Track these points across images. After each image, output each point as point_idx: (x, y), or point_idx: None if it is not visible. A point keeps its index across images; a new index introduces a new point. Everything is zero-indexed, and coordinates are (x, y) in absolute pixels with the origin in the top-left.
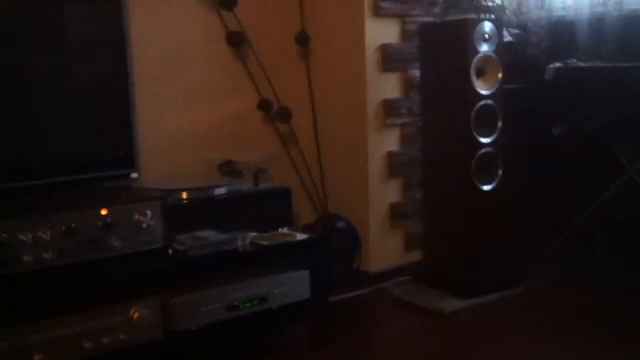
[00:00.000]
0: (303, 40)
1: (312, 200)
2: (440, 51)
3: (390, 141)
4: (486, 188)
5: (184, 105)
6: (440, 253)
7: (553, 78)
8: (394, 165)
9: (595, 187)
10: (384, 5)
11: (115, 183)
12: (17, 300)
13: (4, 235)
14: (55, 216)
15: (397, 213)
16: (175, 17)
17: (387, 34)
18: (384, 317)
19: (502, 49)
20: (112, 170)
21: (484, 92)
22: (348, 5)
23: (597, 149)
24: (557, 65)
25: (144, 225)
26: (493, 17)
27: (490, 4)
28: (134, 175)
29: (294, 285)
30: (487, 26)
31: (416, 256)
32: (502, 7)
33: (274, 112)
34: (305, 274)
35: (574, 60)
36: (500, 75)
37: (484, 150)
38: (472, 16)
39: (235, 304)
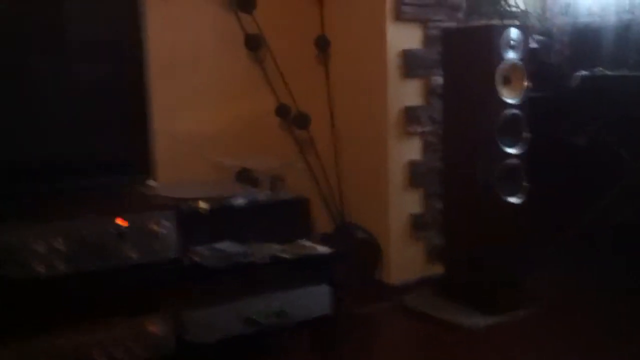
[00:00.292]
0: (322, 44)
1: (328, 209)
2: (464, 57)
3: (410, 149)
4: (510, 200)
5: (199, 108)
6: (461, 267)
7: (579, 86)
8: (415, 175)
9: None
10: (406, 9)
11: (130, 189)
12: (28, 309)
13: (16, 242)
14: (68, 223)
15: (417, 224)
16: (193, 19)
17: (409, 39)
18: (403, 331)
19: (529, 56)
20: (127, 175)
21: (509, 101)
22: (369, 9)
23: (620, 159)
24: (583, 72)
25: (159, 235)
26: (517, 22)
27: (514, 9)
28: (150, 182)
29: (313, 300)
30: (513, 32)
31: (438, 268)
32: (525, 13)
33: (291, 118)
34: (325, 289)
35: (600, 69)
36: (526, 84)
37: (509, 161)
38: (496, 21)
39: (253, 318)
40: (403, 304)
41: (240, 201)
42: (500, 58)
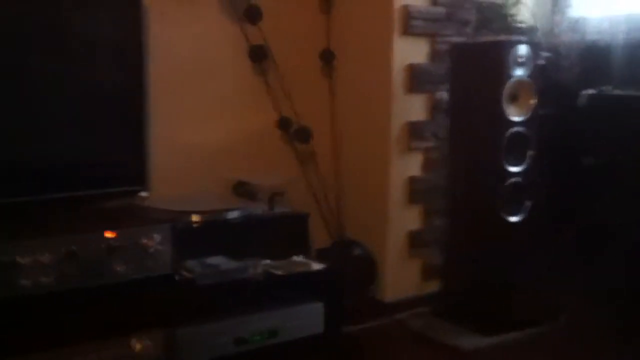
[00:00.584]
0: (327, 57)
1: (327, 224)
2: (472, 73)
3: (412, 165)
4: (513, 219)
5: (199, 119)
6: (461, 285)
7: (586, 104)
8: (415, 191)
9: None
10: (415, 23)
11: (122, 201)
12: (12, 327)
13: (1, 257)
14: (56, 238)
15: (415, 241)
16: (196, 27)
17: (416, 53)
18: (400, 352)
19: (537, 73)
20: (120, 186)
21: (515, 119)
22: (377, 23)
23: (627, 179)
24: (591, 91)
25: (151, 250)
26: (525, 38)
27: (523, 25)
28: (144, 194)
29: (306, 318)
30: (522, 49)
31: (433, 286)
32: (533, 28)
33: (292, 131)
34: (319, 307)
35: (609, 87)
36: (533, 102)
37: (512, 180)
38: (505, 37)
39: (244, 337)
40: (400, 323)
41: (235, 215)
42: (509, 75)
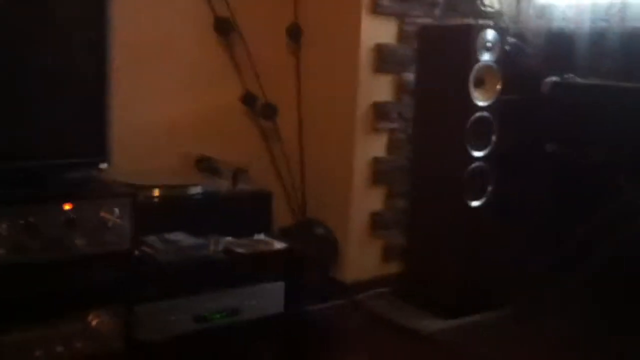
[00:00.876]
0: (295, 32)
1: (290, 202)
2: (439, 56)
3: (377, 146)
4: (474, 204)
5: (162, 93)
6: (422, 269)
7: (550, 92)
8: (379, 172)
9: (583, 207)
10: (383, 3)
11: (82, 172)
12: None
13: None
14: (14, 208)
15: (377, 222)
16: None
17: (384, 33)
18: (358, 333)
19: (503, 58)
20: (79, 157)
21: (480, 103)
22: (345, 0)
23: (588, 168)
24: (555, 78)
25: (110, 224)
26: (493, 23)
27: (489, 9)
28: (104, 166)
29: (267, 297)
30: (490, 33)
31: (393, 268)
32: (500, 13)
33: (258, 108)
34: (280, 286)
35: (572, 75)
36: (498, 87)
37: (475, 165)
38: (471, 21)
39: (204, 314)
40: (359, 304)
41: (197, 191)
42: (476, 59)
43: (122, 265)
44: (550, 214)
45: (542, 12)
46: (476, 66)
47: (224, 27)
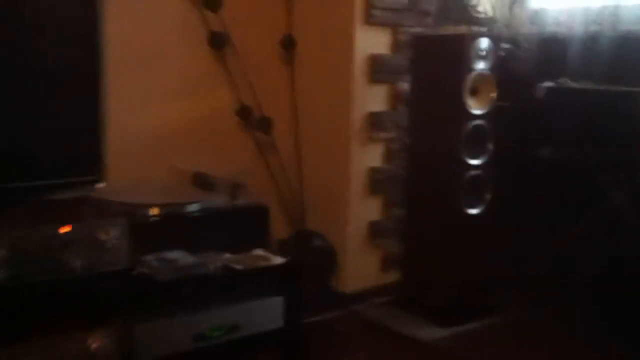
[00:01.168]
0: (288, 44)
1: (287, 214)
2: (433, 65)
3: (373, 156)
4: (472, 212)
5: (156, 107)
6: (420, 277)
7: (544, 97)
8: (376, 182)
9: (580, 211)
10: (376, 13)
11: (77, 191)
12: None
13: None
14: (8, 231)
15: (375, 232)
16: (155, 13)
17: (377, 43)
18: (358, 343)
19: (497, 66)
20: (75, 177)
21: (475, 112)
22: (338, 11)
23: (583, 172)
24: (549, 84)
25: (107, 245)
26: (485, 29)
27: (482, 16)
28: (100, 185)
29: (266, 313)
30: (484, 42)
31: (392, 277)
32: (493, 20)
33: (253, 121)
34: (278, 301)
35: (566, 79)
36: (493, 94)
37: (472, 173)
38: (465, 29)
39: (203, 332)
40: (358, 314)
41: (194, 208)
42: (470, 68)
43: (120, 285)
44: (548, 217)
45: (535, 17)
46: (470, 75)
47: (218, 41)
